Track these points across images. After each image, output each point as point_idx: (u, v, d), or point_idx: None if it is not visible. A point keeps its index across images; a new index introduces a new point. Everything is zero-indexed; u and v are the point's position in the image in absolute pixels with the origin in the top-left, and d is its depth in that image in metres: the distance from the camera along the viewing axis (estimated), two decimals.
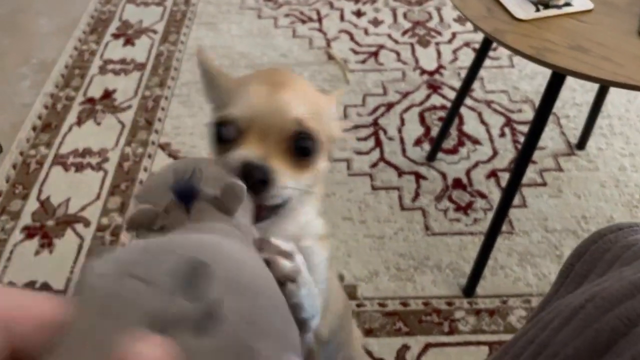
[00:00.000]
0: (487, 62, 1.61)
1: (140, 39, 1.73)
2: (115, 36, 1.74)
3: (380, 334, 1.04)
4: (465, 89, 1.22)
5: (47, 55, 1.67)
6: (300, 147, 0.47)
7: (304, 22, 1.79)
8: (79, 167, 1.35)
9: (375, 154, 1.38)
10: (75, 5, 1.85)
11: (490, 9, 0.83)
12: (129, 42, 1.71)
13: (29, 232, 1.22)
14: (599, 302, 0.38)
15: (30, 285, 1.12)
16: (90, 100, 1.52)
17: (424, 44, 1.70)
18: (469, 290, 1.09)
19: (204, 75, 0.54)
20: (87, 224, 1.23)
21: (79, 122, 1.47)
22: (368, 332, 1.04)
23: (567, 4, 0.82)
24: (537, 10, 0.82)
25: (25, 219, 1.24)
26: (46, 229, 1.22)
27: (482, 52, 1.11)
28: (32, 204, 1.27)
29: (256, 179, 0.42)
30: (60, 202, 1.27)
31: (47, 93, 1.54)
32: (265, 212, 0.45)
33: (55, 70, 1.61)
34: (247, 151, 0.44)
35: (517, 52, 0.76)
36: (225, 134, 0.47)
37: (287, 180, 0.45)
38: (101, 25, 1.77)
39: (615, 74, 0.72)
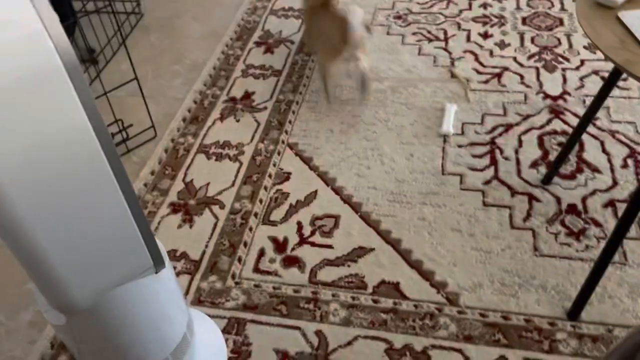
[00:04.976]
0: (616, 92, 1.59)
1: (279, 48, 1.90)
2: (258, 44, 1.93)
3: (479, 342, 1.09)
4: (589, 116, 1.23)
5: (198, 57, 1.90)
6: None
7: (430, 40, 1.87)
8: (219, 157, 1.54)
9: (490, 172, 1.42)
10: (225, 13, 2.08)
11: (622, 41, 0.87)
12: (268, 50, 1.90)
13: (174, 208, 1.41)
14: None
15: (172, 253, 1.31)
16: (232, 100, 1.72)
17: (550, 68, 1.70)
18: (574, 313, 1.10)
19: None
20: (222, 206, 1.40)
21: (222, 117, 1.66)
22: (467, 339, 1.10)
23: None
24: None
25: (172, 197, 1.44)
26: (188, 207, 1.41)
27: (610, 82, 1.12)
28: (178, 184, 1.47)
29: None
30: (201, 185, 1.46)
31: (196, 90, 1.76)
32: None
33: (204, 70, 1.83)
34: None
35: None
36: None
37: None
38: (246, 33, 1.98)
39: None
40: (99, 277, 0.79)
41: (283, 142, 1.57)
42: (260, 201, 1.41)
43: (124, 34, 1.95)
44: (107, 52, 1.90)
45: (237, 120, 1.65)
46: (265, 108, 1.68)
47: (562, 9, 1.94)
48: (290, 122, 1.63)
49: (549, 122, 1.54)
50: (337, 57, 1.52)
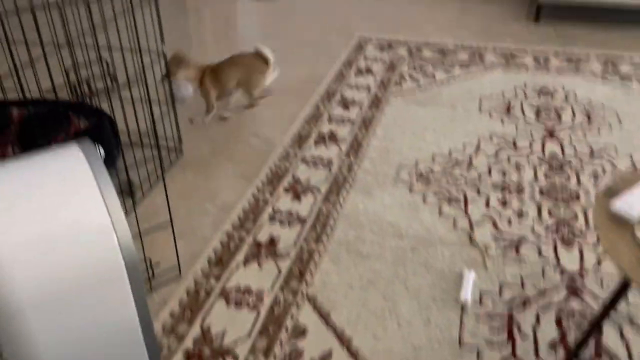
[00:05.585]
0: None
1: (306, 196, 2.00)
2: (286, 190, 2.03)
3: None
4: (608, 309, 1.25)
5: (229, 197, 2.00)
6: None
7: (450, 202, 1.95)
8: (238, 304, 1.56)
9: (507, 349, 1.41)
10: (258, 157, 2.22)
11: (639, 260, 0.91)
12: (296, 196, 2.00)
13: (188, 356, 1.41)
14: None
15: None
16: (257, 244, 1.78)
17: (567, 243, 1.75)
18: None
19: None
20: (236, 358, 1.40)
21: (245, 262, 1.71)
22: None
23: None
24: None
25: (188, 343, 1.45)
26: (202, 356, 1.41)
27: (625, 286, 1.16)
28: (195, 330, 1.48)
29: None
30: (218, 333, 1.47)
31: (224, 231, 1.84)
32: None
33: (234, 212, 1.92)
34: None
35: None
36: None
37: None
38: (276, 178, 2.10)
39: None
40: None
41: (302, 293, 1.59)
42: (275, 357, 1.40)
43: (163, 170, 2.07)
44: (144, 184, 2.02)
45: (260, 266, 1.69)
46: (288, 255, 1.73)
47: (579, 183, 2.03)
48: (311, 272, 1.67)
49: (566, 300, 1.55)
50: (266, 77, 2.45)
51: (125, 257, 0.64)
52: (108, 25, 1.72)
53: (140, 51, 1.76)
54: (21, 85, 1.52)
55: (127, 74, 1.72)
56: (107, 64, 1.52)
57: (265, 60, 2.41)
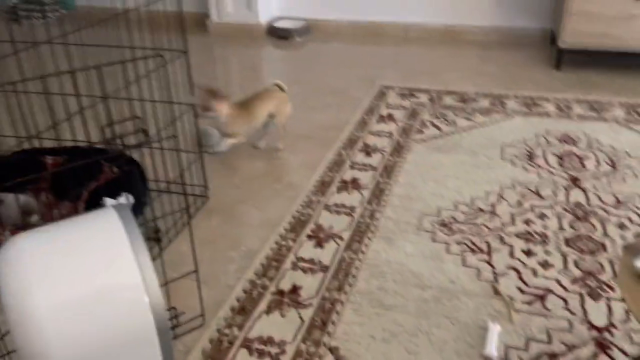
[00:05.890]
0: None
1: (329, 243, 2.02)
2: (309, 237, 2.05)
3: None
4: None
5: (253, 244, 2.02)
6: None
7: (474, 252, 1.94)
8: (261, 354, 1.56)
9: None
10: (282, 204, 2.25)
11: None
12: (319, 244, 2.01)
13: None
14: None
15: None
16: (280, 292, 1.79)
17: (595, 296, 1.72)
18: None
19: None
20: None
21: (268, 310, 1.72)
22: None
23: None
24: None
25: None
26: None
27: None
28: None
29: None
30: None
31: (247, 279, 1.85)
32: None
33: (257, 259, 1.94)
34: None
35: None
36: None
37: None
38: (300, 225, 2.12)
39: None
40: None
41: (324, 344, 1.59)
42: None
43: (190, 217, 2.12)
44: (170, 231, 2.06)
45: (283, 316, 1.70)
46: (311, 305, 1.74)
47: (605, 233, 2.01)
48: (333, 323, 1.66)
49: (595, 357, 1.51)
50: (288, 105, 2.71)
51: (156, 320, 0.67)
52: (141, 81, 1.81)
53: (171, 103, 1.84)
54: (58, 140, 1.59)
55: (157, 125, 1.79)
56: (140, 120, 1.62)
57: (282, 90, 2.69)
